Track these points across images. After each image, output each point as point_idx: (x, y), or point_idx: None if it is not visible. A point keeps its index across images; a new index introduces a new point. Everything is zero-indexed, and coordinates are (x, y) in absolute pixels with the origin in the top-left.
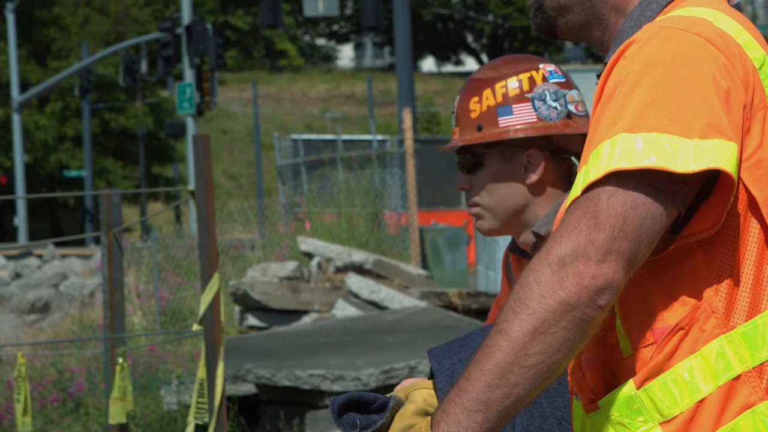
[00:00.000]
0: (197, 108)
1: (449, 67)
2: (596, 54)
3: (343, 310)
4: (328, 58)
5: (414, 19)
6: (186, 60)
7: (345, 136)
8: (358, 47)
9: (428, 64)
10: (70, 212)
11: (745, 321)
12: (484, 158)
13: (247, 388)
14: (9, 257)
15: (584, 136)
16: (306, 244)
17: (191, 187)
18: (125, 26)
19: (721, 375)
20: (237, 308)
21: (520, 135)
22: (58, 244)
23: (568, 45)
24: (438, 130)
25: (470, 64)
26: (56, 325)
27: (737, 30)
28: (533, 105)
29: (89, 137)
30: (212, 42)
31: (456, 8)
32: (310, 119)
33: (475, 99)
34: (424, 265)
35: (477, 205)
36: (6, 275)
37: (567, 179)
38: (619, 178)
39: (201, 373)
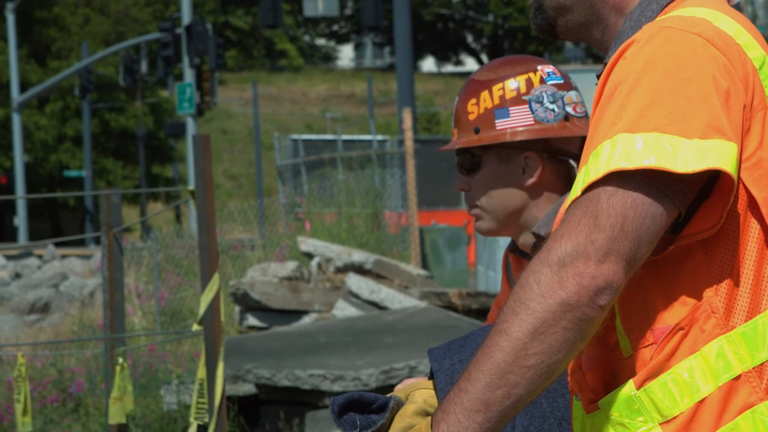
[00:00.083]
0: (197, 108)
1: (449, 67)
2: (596, 54)
3: (343, 310)
4: (328, 58)
5: (414, 19)
6: (186, 60)
7: (345, 136)
8: (358, 47)
9: (428, 64)
10: (70, 212)
11: (745, 321)
12: (482, 160)
13: (247, 388)
14: (9, 257)
15: (582, 138)
16: (306, 244)
17: (191, 187)
18: (125, 26)
19: (721, 375)
20: (237, 308)
21: (517, 138)
22: (58, 244)
23: (568, 45)
24: (438, 130)
25: (470, 64)
26: (56, 325)
27: (737, 30)
28: (530, 107)
29: (89, 137)
30: (212, 42)
31: (456, 8)
32: (310, 119)
33: (473, 101)
34: (424, 265)
35: (476, 206)
36: (6, 275)
37: (565, 181)
38: (619, 178)
39: (201, 373)
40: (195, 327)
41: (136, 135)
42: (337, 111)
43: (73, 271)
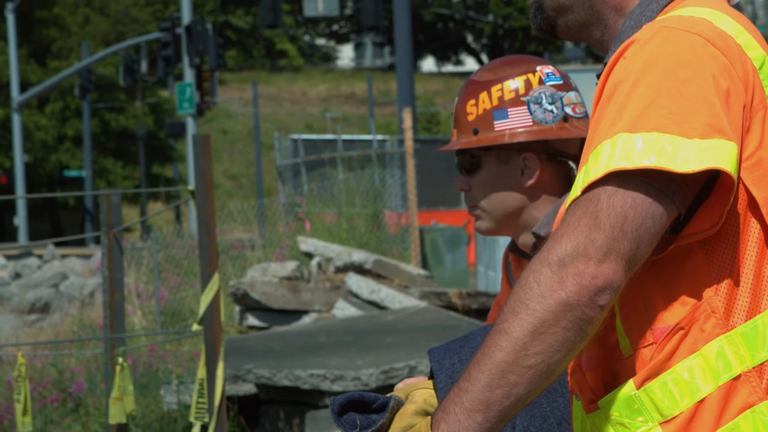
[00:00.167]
0: (197, 108)
1: (449, 67)
2: (596, 54)
3: (343, 310)
4: (328, 58)
5: (414, 19)
6: (186, 60)
7: (345, 136)
8: (358, 47)
9: (428, 64)
10: (70, 212)
11: (745, 321)
12: (482, 160)
13: (247, 388)
14: (9, 257)
15: (581, 139)
16: (306, 244)
17: (191, 187)
18: (125, 26)
19: (721, 375)
20: (237, 308)
21: (515, 139)
22: (58, 244)
23: (568, 45)
24: (438, 130)
25: (470, 64)
26: (56, 325)
27: (737, 30)
28: (529, 108)
29: (89, 137)
30: (212, 42)
31: (456, 8)
32: (310, 119)
33: (472, 102)
34: (424, 265)
35: (475, 206)
36: (6, 275)
37: (564, 182)
38: (619, 178)
39: (201, 373)
40: (195, 327)
41: (136, 135)
42: (337, 111)
43: (73, 271)
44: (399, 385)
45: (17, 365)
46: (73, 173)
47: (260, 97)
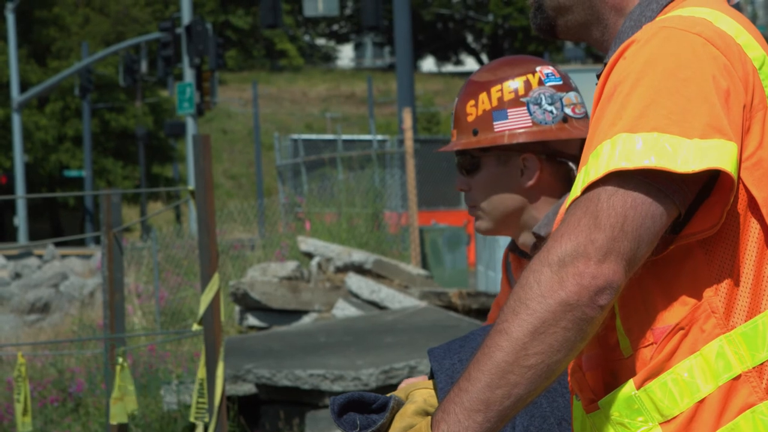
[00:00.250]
0: (197, 108)
1: (449, 67)
2: (596, 54)
3: (343, 310)
4: (328, 58)
5: (414, 19)
6: (186, 60)
7: (345, 136)
8: (358, 47)
9: (428, 64)
10: (70, 212)
11: (745, 321)
12: (481, 161)
13: (247, 388)
14: (9, 257)
15: (581, 139)
16: (306, 244)
17: (191, 187)
18: (125, 26)
19: (721, 375)
20: (237, 308)
21: (515, 140)
22: (58, 244)
23: (568, 45)
24: (438, 130)
25: (470, 64)
26: (56, 325)
27: (737, 30)
28: (528, 109)
29: (89, 137)
30: (212, 42)
31: (456, 8)
32: (310, 119)
33: (472, 102)
34: (424, 265)
35: (475, 206)
36: (6, 275)
37: (564, 182)
38: (619, 178)
39: (201, 373)
40: (195, 327)
41: (136, 135)
42: (337, 111)
43: (73, 270)
44: (401, 386)
45: (17, 365)
46: (73, 173)
47: (260, 97)
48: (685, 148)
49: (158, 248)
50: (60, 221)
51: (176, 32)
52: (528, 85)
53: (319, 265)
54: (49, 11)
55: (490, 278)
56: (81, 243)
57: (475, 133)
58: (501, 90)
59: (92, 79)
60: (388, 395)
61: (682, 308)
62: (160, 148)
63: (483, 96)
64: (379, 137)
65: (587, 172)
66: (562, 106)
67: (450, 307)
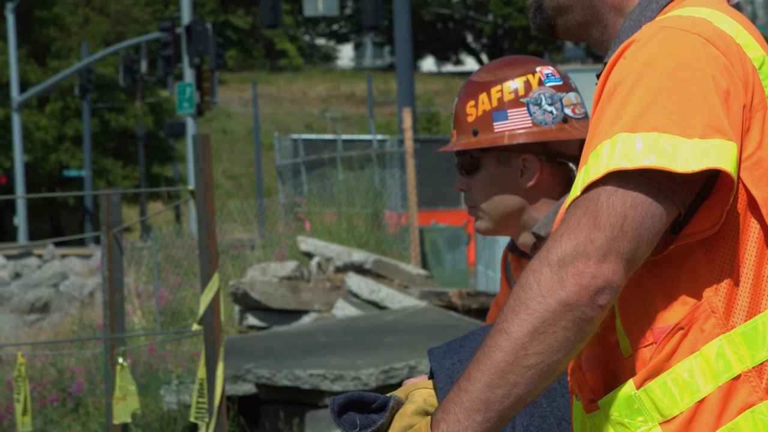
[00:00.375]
0: (197, 108)
1: (449, 67)
2: (596, 54)
3: (343, 309)
4: (328, 58)
5: (414, 19)
6: (186, 60)
7: (345, 136)
8: (358, 47)
9: (428, 64)
10: (70, 212)
11: (745, 321)
12: (481, 162)
13: (247, 388)
14: (9, 257)
15: (581, 140)
16: (306, 243)
17: (191, 187)
18: (125, 26)
19: (721, 375)
20: (237, 308)
21: (515, 141)
22: (58, 244)
23: (568, 45)
24: (438, 130)
25: (470, 64)
26: (56, 325)
27: (737, 30)
28: (528, 110)
29: (89, 137)
30: (212, 42)
31: (456, 8)
32: (310, 119)
33: (471, 103)
34: (424, 265)
35: (475, 206)
36: (6, 275)
37: (564, 183)
38: (619, 178)
39: (201, 373)
40: (195, 327)
41: (136, 135)
42: (337, 111)
43: (73, 270)
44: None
45: (17, 365)
46: (73, 173)
47: (260, 97)
48: (685, 148)
49: (158, 248)
50: (60, 221)
51: (176, 32)
52: (528, 86)
53: (319, 265)
54: (49, 11)
55: (490, 278)
56: (81, 243)
57: (475, 133)
58: (501, 90)
59: (92, 79)
60: (388, 395)
61: (682, 308)
62: (160, 148)
63: (483, 96)
64: (379, 137)
65: (587, 172)
66: (562, 106)
67: (450, 306)
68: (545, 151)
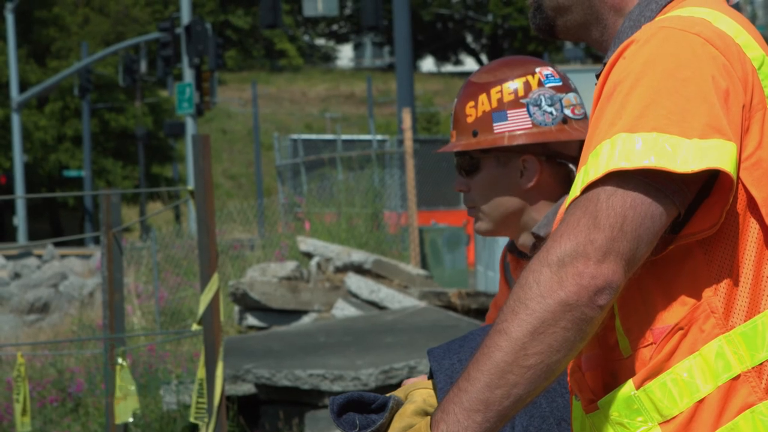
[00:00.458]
0: (197, 108)
1: (449, 67)
2: (596, 54)
3: (343, 310)
4: (328, 58)
5: (414, 19)
6: (185, 60)
7: (345, 136)
8: (358, 47)
9: (428, 64)
10: (70, 212)
11: (745, 321)
12: (481, 162)
13: (247, 388)
14: (9, 257)
15: (581, 141)
16: (305, 244)
17: (191, 187)
18: (125, 26)
19: (720, 375)
20: (236, 308)
21: (514, 142)
22: (57, 244)
23: (568, 45)
24: (438, 130)
25: (470, 64)
26: (56, 325)
27: (736, 30)
28: (528, 110)
29: (89, 137)
30: (212, 42)
31: (456, 8)
32: (310, 119)
33: (471, 103)
34: (424, 265)
35: (474, 207)
36: (6, 275)
37: (564, 184)
38: (618, 178)
39: (200, 373)
40: (194, 327)
41: (136, 135)
42: (336, 111)
43: (73, 271)
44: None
45: (17, 365)
46: (72, 173)
47: (260, 97)
48: (684, 148)
49: (158, 248)
50: (59, 221)
51: (176, 32)
52: (528, 87)
53: (319, 265)
54: (49, 11)
55: (490, 278)
56: (80, 243)
57: (475, 134)
58: (500, 91)
59: (92, 79)
60: (388, 395)
61: (682, 308)
62: (160, 148)
63: (482, 97)
64: (379, 137)
65: (587, 172)
66: (562, 107)
67: (449, 307)
68: (545, 152)
